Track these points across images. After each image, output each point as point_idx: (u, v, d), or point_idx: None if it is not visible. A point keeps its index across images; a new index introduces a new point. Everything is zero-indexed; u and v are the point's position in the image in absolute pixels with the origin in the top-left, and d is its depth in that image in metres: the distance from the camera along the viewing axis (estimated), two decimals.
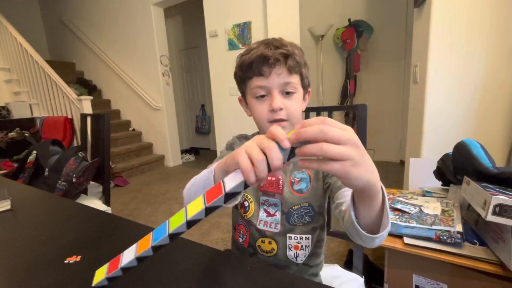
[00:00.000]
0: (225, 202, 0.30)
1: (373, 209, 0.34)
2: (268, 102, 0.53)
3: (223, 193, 0.29)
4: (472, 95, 1.41)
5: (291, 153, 0.28)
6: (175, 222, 0.30)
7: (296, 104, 0.54)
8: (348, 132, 0.27)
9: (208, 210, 0.29)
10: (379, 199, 0.33)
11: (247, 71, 0.54)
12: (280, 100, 0.52)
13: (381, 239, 0.37)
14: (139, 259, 0.32)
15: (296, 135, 0.27)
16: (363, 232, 0.36)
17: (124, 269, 0.33)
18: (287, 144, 0.27)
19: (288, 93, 0.53)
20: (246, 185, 0.29)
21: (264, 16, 2.53)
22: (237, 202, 0.39)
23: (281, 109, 0.52)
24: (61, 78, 3.07)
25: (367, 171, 0.28)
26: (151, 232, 0.32)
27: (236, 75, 0.58)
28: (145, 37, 3.46)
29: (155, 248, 0.31)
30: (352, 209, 0.36)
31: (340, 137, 0.26)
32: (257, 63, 0.51)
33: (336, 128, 0.26)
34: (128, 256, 0.33)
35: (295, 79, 0.53)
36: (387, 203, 0.34)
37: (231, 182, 0.29)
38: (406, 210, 0.95)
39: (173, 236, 0.30)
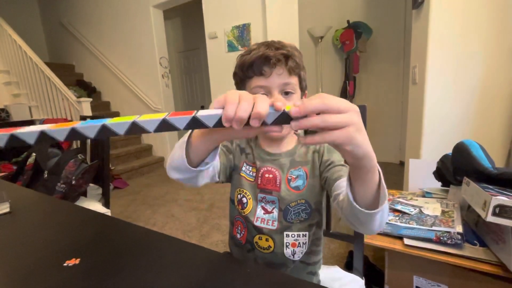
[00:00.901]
0: (187, 127, 0.26)
1: (371, 185, 0.34)
2: None
3: (192, 115, 0.26)
4: (471, 96, 1.42)
5: (281, 119, 0.27)
6: (117, 119, 0.25)
7: None
8: (347, 102, 0.27)
9: (162, 125, 0.25)
10: (376, 174, 0.33)
11: (247, 71, 0.54)
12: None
13: (381, 217, 0.36)
14: (43, 134, 0.25)
15: (299, 108, 0.26)
16: (361, 209, 0.35)
17: (15, 136, 0.25)
18: (280, 106, 0.27)
19: (287, 93, 0.54)
20: (219, 123, 0.27)
21: (263, 18, 2.54)
22: (204, 168, 0.39)
23: None
24: (60, 80, 3.07)
25: (367, 138, 0.29)
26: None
27: (236, 75, 0.59)
28: (145, 39, 3.46)
29: (74, 133, 0.25)
30: (349, 188, 0.36)
31: (340, 106, 0.26)
32: (258, 63, 0.52)
33: (336, 99, 0.27)
34: (32, 128, 0.25)
35: (294, 80, 0.54)
36: (383, 179, 0.34)
37: (205, 112, 0.27)
38: (406, 211, 0.95)
39: (105, 130, 0.25)
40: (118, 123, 0.25)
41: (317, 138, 0.27)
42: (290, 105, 0.27)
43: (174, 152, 0.42)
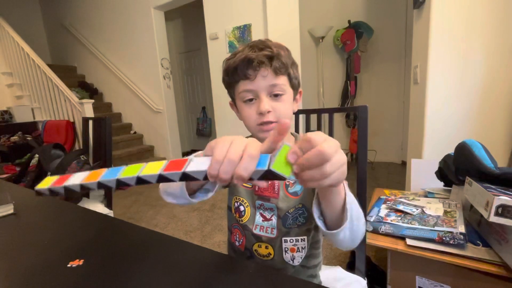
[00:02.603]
0: (180, 180, 0.29)
1: (336, 204, 0.36)
2: (256, 105, 0.52)
3: (181, 171, 0.28)
4: (473, 95, 1.41)
5: (269, 174, 0.26)
6: (128, 172, 0.30)
7: (285, 106, 0.53)
8: (334, 143, 0.27)
9: (160, 178, 0.29)
10: (342, 193, 0.35)
11: (233, 76, 0.53)
12: (268, 103, 0.51)
13: (346, 236, 0.38)
14: (82, 187, 0.32)
15: (298, 167, 0.26)
16: (322, 227, 0.38)
17: (67, 189, 0.33)
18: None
19: (276, 95, 0.52)
20: (206, 177, 0.28)
21: (264, 18, 2.54)
22: (205, 198, 0.42)
23: (269, 111, 0.51)
24: (62, 82, 3.09)
25: (342, 171, 0.29)
26: (106, 169, 0.33)
27: (223, 80, 0.58)
28: (146, 40, 3.48)
29: (100, 185, 0.31)
30: (317, 206, 0.38)
31: (333, 152, 0.27)
32: (241, 66, 0.51)
33: (329, 143, 0.27)
34: (75, 179, 0.33)
35: (282, 81, 0.52)
36: (348, 197, 0.36)
37: (196, 165, 0.28)
38: (408, 211, 0.95)
39: (119, 183, 0.30)
40: (128, 177, 0.30)
41: (315, 183, 0.27)
42: (288, 146, 0.27)
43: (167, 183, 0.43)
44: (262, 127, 0.52)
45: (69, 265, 0.44)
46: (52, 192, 0.34)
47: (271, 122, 0.52)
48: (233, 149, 0.27)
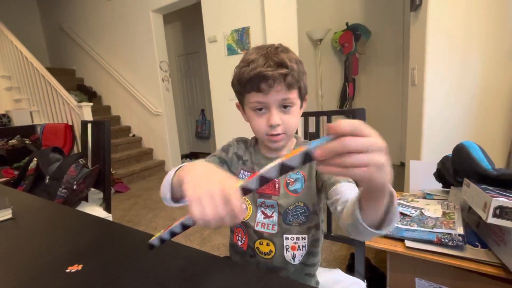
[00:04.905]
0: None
1: (380, 207, 0.35)
2: (266, 116, 0.54)
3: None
4: (471, 97, 1.42)
5: (305, 159, 0.28)
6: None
7: (293, 118, 0.55)
8: (372, 139, 0.26)
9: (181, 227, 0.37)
10: (387, 197, 0.34)
11: (245, 86, 0.54)
12: (278, 116, 0.53)
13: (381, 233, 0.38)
14: (183, 226, 0.37)
15: (319, 153, 0.27)
16: (370, 229, 0.36)
17: (172, 233, 0.38)
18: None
19: (285, 107, 0.54)
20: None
21: (263, 21, 2.55)
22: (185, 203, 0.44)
23: (278, 125, 0.53)
24: (61, 85, 3.09)
25: (387, 174, 0.29)
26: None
27: (233, 86, 0.59)
28: (145, 43, 3.48)
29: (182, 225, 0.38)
30: (358, 207, 0.37)
31: (363, 147, 0.26)
32: (256, 80, 0.52)
33: (360, 138, 0.26)
34: (177, 223, 0.39)
35: (293, 94, 0.54)
36: (395, 203, 0.35)
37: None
38: (407, 213, 0.95)
39: (184, 227, 0.38)
40: (185, 219, 0.37)
41: (335, 170, 0.27)
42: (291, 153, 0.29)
43: (162, 187, 0.48)
44: (270, 138, 0.55)
45: (67, 270, 0.44)
46: (162, 240, 0.40)
47: (279, 134, 0.55)
48: (208, 215, 0.33)
